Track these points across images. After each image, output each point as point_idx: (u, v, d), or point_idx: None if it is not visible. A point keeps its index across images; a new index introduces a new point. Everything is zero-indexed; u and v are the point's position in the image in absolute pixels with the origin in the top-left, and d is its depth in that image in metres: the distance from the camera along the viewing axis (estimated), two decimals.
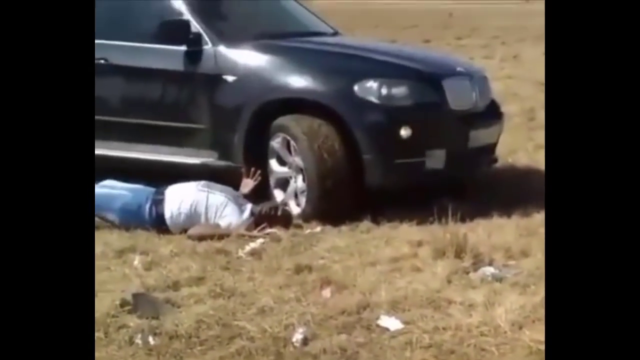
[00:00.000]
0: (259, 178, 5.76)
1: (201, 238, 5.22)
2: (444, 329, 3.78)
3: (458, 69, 6.28)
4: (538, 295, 4.10)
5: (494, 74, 12.59)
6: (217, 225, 5.37)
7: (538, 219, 5.53)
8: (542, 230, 5.21)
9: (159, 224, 5.42)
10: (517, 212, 5.66)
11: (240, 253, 4.97)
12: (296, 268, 4.66)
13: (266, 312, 4.03)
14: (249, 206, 5.51)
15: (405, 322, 3.87)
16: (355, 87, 5.70)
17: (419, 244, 5.04)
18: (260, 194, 5.80)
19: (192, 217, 5.41)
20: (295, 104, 5.83)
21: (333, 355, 3.56)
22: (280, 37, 6.64)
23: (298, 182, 5.78)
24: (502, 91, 10.52)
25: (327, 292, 4.30)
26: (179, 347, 3.67)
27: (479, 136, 6.05)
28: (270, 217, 5.42)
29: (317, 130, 5.66)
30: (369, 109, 5.68)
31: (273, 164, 5.93)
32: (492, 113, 6.38)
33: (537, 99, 11.77)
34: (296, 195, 5.82)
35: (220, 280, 4.50)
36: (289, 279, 4.52)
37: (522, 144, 8.21)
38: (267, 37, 6.51)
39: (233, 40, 6.24)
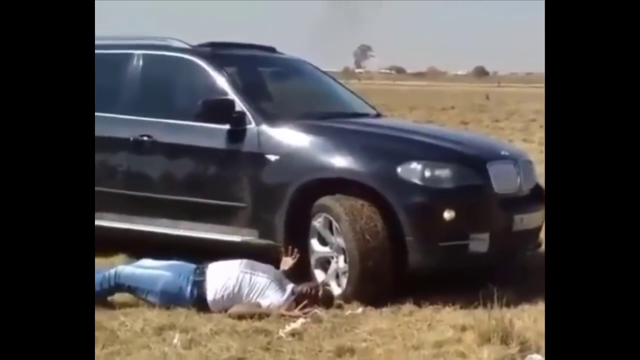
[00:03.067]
0: (297, 256, 5.72)
1: (241, 317, 5.17)
2: None
3: (502, 152, 6.25)
4: None
5: (534, 157, 12.54)
6: (258, 305, 5.31)
7: None
8: None
9: (200, 303, 5.37)
10: None
11: (281, 333, 4.91)
12: (338, 350, 4.59)
13: None
14: (290, 286, 5.46)
15: None
16: (399, 169, 5.68)
17: (463, 328, 4.93)
18: (300, 273, 5.74)
19: (234, 298, 5.36)
20: (338, 184, 5.81)
21: None
22: (324, 117, 6.67)
23: (340, 263, 5.72)
24: (543, 174, 10.45)
25: None
26: None
27: (524, 220, 5.98)
28: (311, 297, 5.36)
29: (360, 210, 5.63)
30: (412, 190, 5.65)
31: (314, 243, 5.89)
32: (536, 197, 6.31)
33: None
34: (337, 276, 5.75)
35: None
36: None
37: None
38: (310, 117, 6.55)
39: (276, 119, 6.28)
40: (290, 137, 6.14)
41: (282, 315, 5.22)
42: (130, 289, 5.50)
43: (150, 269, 5.56)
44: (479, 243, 5.71)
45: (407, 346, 4.67)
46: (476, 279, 5.71)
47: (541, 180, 6.68)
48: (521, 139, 18.23)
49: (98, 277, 5.37)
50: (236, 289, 5.36)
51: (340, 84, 8.12)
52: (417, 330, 4.97)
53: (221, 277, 5.42)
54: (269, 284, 5.40)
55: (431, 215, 5.60)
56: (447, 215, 5.56)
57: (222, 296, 5.37)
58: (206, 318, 5.21)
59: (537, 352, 4.54)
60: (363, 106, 7.58)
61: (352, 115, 7.10)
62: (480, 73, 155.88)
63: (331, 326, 5.05)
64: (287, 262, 5.73)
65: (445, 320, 5.13)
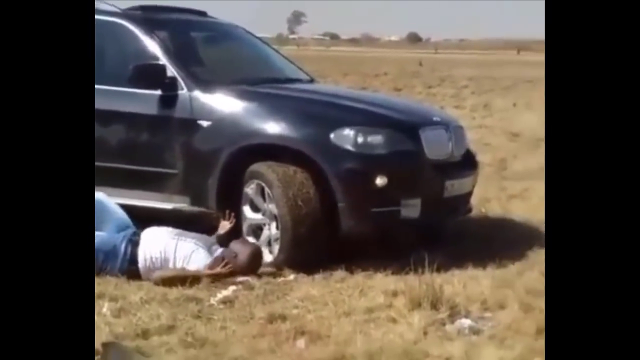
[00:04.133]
0: (234, 220, 5.69)
1: (167, 282, 5.13)
2: None
3: (434, 118, 6.27)
4: (515, 349, 4.06)
5: (465, 124, 12.65)
6: (183, 269, 5.28)
7: (513, 270, 5.51)
8: (518, 281, 5.19)
9: (131, 266, 5.32)
10: (491, 262, 5.61)
11: (212, 301, 4.88)
12: (269, 317, 4.58)
13: None
14: (219, 250, 5.43)
15: None
16: (332, 135, 5.66)
17: (394, 294, 4.97)
18: (235, 239, 5.71)
19: (162, 265, 5.32)
20: (270, 150, 5.78)
21: None
22: (257, 83, 6.61)
23: (272, 229, 5.71)
24: (473, 141, 10.55)
25: (301, 343, 4.22)
26: None
27: (455, 186, 6.03)
28: (239, 263, 5.32)
29: (292, 177, 5.61)
30: (345, 157, 5.64)
31: (246, 210, 5.86)
32: (467, 163, 6.36)
33: (508, 148, 11.87)
34: (270, 243, 5.74)
35: (192, 329, 4.39)
36: (262, 328, 4.43)
37: (495, 193, 8.22)
38: (243, 82, 6.48)
39: (209, 85, 6.20)
40: (222, 102, 6.07)
41: (208, 276, 5.18)
42: None
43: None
44: (411, 209, 5.73)
45: (339, 312, 4.69)
46: (407, 245, 5.76)
47: (471, 146, 6.78)
48: (453, 105, 18.37)
49: None
50: (163, 255, 5.33)
51: (273, 49, 8.05)
52: (348, 297, 4.99)
53: (151, 243, 5.38)
54: (196, 249, 5.36)
55: (363, 181, 5.61)
56: (380, 181, 5.57)
57: (152, 263, 5.33)
58: (136, 286, 5.15)
59: (466, 317, 4.60)
60: (296, 72, 7.52)
61: (285, 81, 7.05)
62: (414, 39, 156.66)
63: (263, 293, 5.04)
64: (224, 226, 5.70)
65: (377, 287, 5.16)
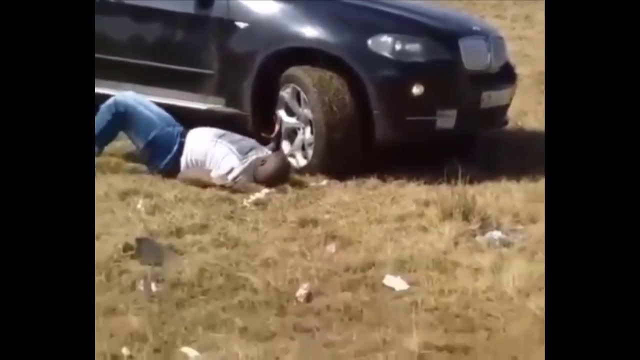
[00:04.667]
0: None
1: (187, 182, 5.21)
2: (449, 292, 3.75)
3: (474, 28, 6.17)
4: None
5: (506, 34, 12.45)
6: (208, 173, 5.30)
7: None
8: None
9: (176, 164, 5.40)
10: (525, 176, 5.58)
11: (245, 202, 4.93)
12: (301, 221, 4.63)
13: (270, 264, 4.00)
14: (252, 157, 5.40)
15: (411, 283, 3.85)
16: (369, 41, 5.60)
17: (426, 203, 4.98)
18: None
19: (199, 165, 5.36)
20: (307, 54, 5.72)
21: (337, 313, 3.53)
22: None
23: (306, 134, 5.69)
24: (513, 53, 10.37)
25: (332, 248, 4.27)
26: (182, 296, 3.64)
27: (492, 97, 5.95)
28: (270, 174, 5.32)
29: (328, 82, 5.57)
30: (381, 64, 5.59)
31: (282, 114, 5.85)
32: (506, 75, 6.27)
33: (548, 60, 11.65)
34: (303, 147, 5.73)
35: (224, 229, 4.46)
36: (294, 231, 4.49)
37: (532, 106, 8.10)
38: None
39: None
40: (260, 4, 5.98)
41: (223, 186, 5.17)
42: (126, 124, 5.52)
43: (148, 111, 5.55)
44: (447, 119, 5.69)
45: (370, 219, 4.72)
46: (442, 155, 5.73)
47: (511, 58, 6.67)
48: (494, 15, 18.01)
49: (99, 114, 5.40)
50: (201, 158, 5.36)
51: None
52: (380, 204, 5.01)
53: (195, 143, 5.43)
54: (228, 154, 5.34)
55: (400, 89, 5.56)
56: (416, 90, 5.52)
57: (192, 163, 5.38)
58: (171, 185, 5.21)
59: (497, 229, 4.60)
60: None
61: None
62: None
63: (295, 197, 5.08)
64: (276, 130, 5.74)
65: (409, 195, 5.17)
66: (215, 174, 5.27)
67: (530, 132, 7.18)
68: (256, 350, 3.12)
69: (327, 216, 4.77)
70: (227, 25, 5.97)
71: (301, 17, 5.88)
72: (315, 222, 4.62)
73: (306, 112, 5.66)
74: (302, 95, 5.65)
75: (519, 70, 7.20)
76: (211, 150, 5.36)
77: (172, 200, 4.86)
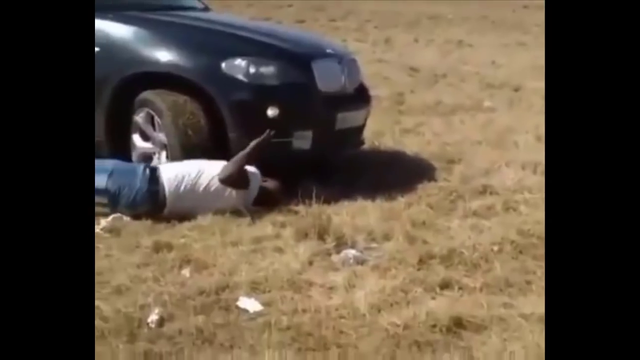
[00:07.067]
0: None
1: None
2: (303, 311, 3.76)
3: (328, 50, 6.26)
4: (398, 278, 4.14)
5: (366, 57, 12.72)
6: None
7: (401, 202, 5.58)
8: (404, 213, 5.27)
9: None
10: (381, 195, 5.66)
11: (98, 229, 4.82)
12: (155, 246, 4.56)
13: (122, 291, 3.93)
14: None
15: (265, 304, 3.83)
16: (223, 65, 5.59)
17: (282, 225, 4.99)
18: None
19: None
20: (161, 78, 5.67)
21: (189, 337, 3.48)
22: (149, 9, 6.46)
23: (162, 159, 5.64)
24: (373, 75, 10.60)
25: (186, 272, 4.22)
26: None
27: (347, 118, 6.05)
28: None
29: (183, 106, 5.55)
30: (236, 87, 5.59)
31: (136, 139, 5.77)
32: (360, 96, 6.38)
33: (406, 83, 11.97)
34: None
35: None
36: (148, 257, 4.42)
37: (389, 127, 8.29)
38: (134, 8, 6.32)
39: (98, 9, 5.99)
40: (113, 28, 5.91)
41: None
42: None
43: None
44: (302, 140, 5.74)
45: (226, 242, 4.68)
46: (298, 176, 5.77)
47: (366, 80, 6.80)
48: (355, 38, 18.36)
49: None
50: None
51: None
52: (236, 227, 4.99)
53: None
54: (211, 161, 5.35)
55: (254, 112, 5.57)
56: (271, 112, 5.54)
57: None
58: None
59: (352, 247, 4.66)
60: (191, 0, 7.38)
61: (178, 8, 6.92)
62: None
63: (150, 222, 5.00)
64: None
65: (266, 218, 5.16)
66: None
67: (387, 152, 7.32)
68: None
69: (182, 240, 4.71)
70: None
71: (154, 41, 5.83)
72: (170, 247, 4.55)
73: (161, 136, 5.61)
74: (157, 119, 5.60)
75: (378, 91, 7.35)
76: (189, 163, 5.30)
77: None
